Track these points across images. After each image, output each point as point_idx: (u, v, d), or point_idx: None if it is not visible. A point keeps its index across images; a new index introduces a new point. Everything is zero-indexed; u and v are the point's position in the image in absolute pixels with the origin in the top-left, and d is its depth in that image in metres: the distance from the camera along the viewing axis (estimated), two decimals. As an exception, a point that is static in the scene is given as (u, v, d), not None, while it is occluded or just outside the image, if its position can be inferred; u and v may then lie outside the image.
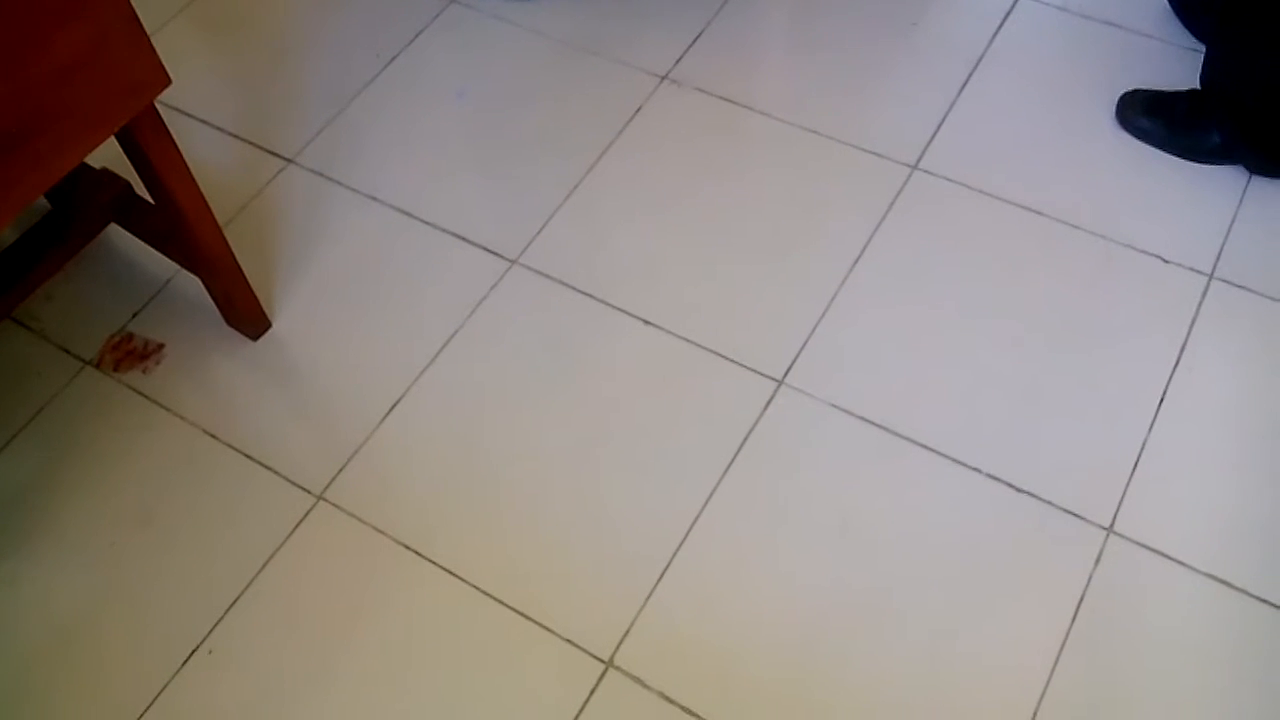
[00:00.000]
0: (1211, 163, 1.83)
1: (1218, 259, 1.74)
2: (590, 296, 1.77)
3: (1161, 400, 1.61)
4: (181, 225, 1.56)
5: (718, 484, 1.57)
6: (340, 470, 1.61)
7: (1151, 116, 1.86)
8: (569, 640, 1.45)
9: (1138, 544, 1.49)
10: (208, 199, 1.56)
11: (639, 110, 2.00)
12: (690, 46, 2.08)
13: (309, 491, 1.60)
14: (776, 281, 1.77)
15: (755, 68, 2.07)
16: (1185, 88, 1.87)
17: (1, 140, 1.20)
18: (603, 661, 1.44)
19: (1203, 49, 1.93)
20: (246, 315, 1.73)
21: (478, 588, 1.50)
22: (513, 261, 1.82)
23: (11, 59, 1.18)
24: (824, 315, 1.72)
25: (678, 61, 2.06)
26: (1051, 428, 1.59)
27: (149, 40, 1.31)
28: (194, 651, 1.48)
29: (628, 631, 1.46)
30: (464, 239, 1.85)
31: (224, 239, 1.63)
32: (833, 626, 1.45)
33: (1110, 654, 1.41)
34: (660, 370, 1.68)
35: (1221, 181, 1.82)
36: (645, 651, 1.44)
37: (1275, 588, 1.44)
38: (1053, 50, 2.03)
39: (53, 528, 1.59)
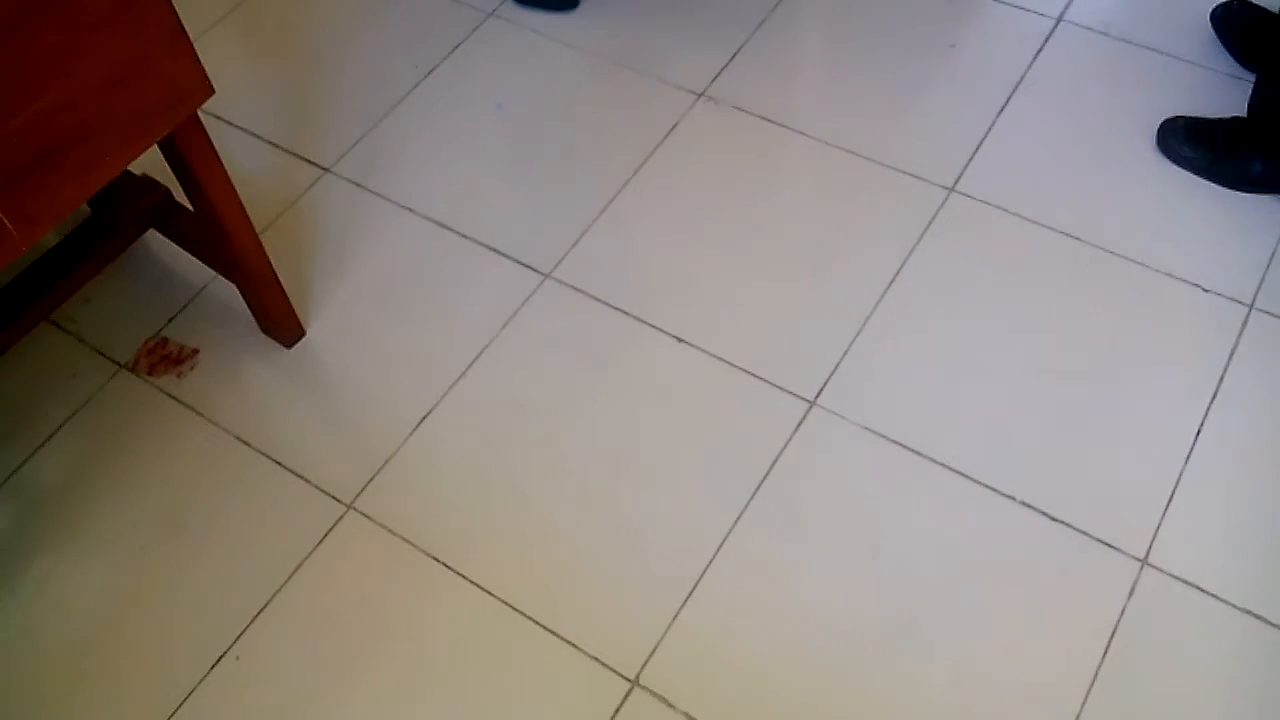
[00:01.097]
0: (1253, 192, 1.81)
1: (1258, 289, 1.72)
2: (623, 312, 1.76)
3: (1199, 431, 1.59)
4: (219, 232, 1.57)
5: (747, 504, 1.56)
6: (370, 480, 1.62)
7: (1193, 144, 1.84)
8: (595, 657, 1.45)
9: (1172, 576, 1.47)
10: (245, 206, 1.57)
11: (675, 126, 2.00)
12: (727, 64, 2.08)
13: (339, 500, 1.60)
14: (810, 301, 1.76)
15: (792, 86, 2.06)
16: (1228, 115, 1.86)
17: (48, 148, 1.22)
18: (629, 680, 1.43)
19: (1246, 76, 1.92)
20: (281, 323, 1.74)
21: (505, 601, 1.50)
22: (546, 275, 1.82)
23: (59, 69, 1.19)
24: (857, 336, 1.71)
25: (715, 79, 2.06)
26: (1087, 456, 1.58)
27: (194, 50, 1.32)
28: (221, 658, 1.48)
29: (654, 650, 1.45)
30: (498, 252, 1.85)
31: (261, 247, 1.64)
32: (861, 651, 1.44)
33: (1142, 687, 1.39)
34: (692, 388, 1.68)
35: (1263, 211, 1.80)
36: (671, 671, 1.43)
37: (1313, 625, 1.42)
38: (1093, 74, 2.02)
39: (84, 529, 1.60)
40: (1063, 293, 1.74)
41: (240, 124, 2.06)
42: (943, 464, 1.58)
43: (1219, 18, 2.01)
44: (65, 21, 1.17)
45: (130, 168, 1.54)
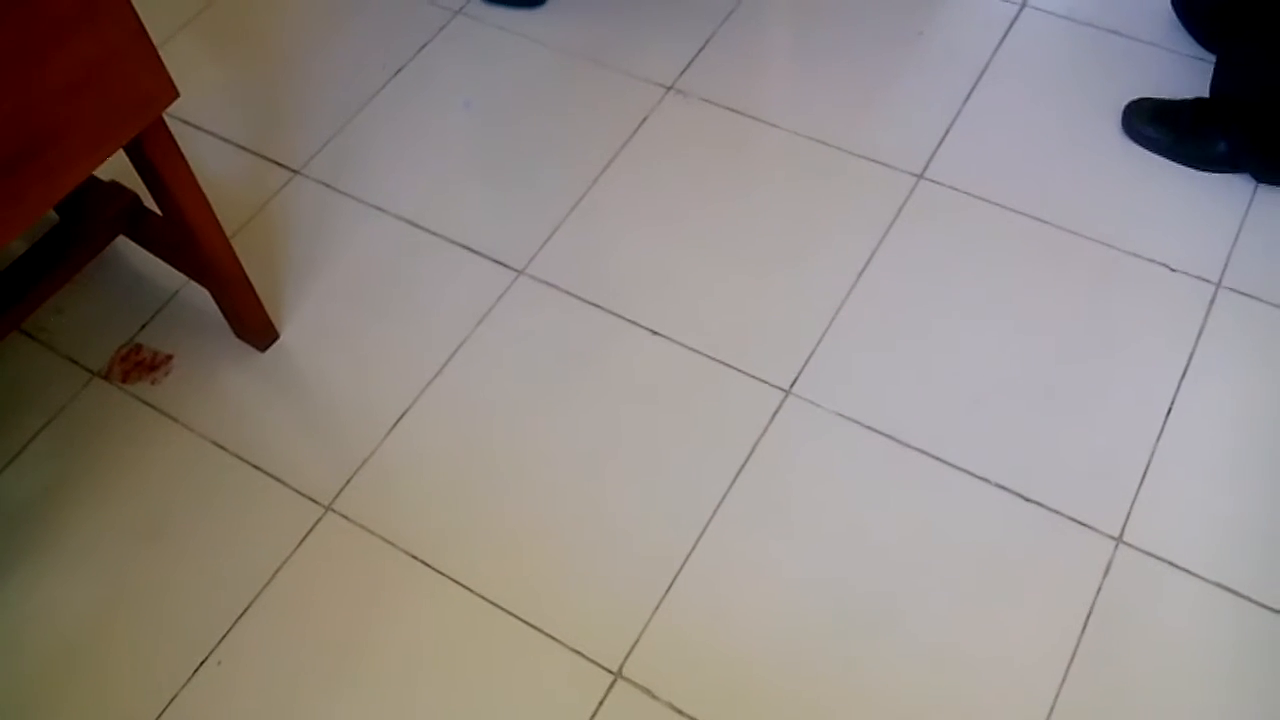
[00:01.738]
0: (1218, 171, 1.83)
1: (1225, 267, 1.74)
2: (597, 306, 1.77)
3: (1170, 409, 1.60)
4: (189, 237, 1.57)
5: (725, 494, 1.57)
6: (348, 481, 1.61)
7: (1157, 125, 1.86)
8: (577, 651, 1.45)
9: (1147, 553, 1.48)
10: (215, 210, 1.57)
11: (645, 120, 2.00)
12: (695, 57, 2.09)
13: (317, 502, 1.60)
14: (783, 291, 1.77)
15: (761, 78, 2.07)
16: (1191, 96, 1.87)
17: (11, 154, 1.21)
18: (611, 672, 1.43)
19: (1208, 57, 1.94)
20: (254, 326, 1.73)
21: (486, 598, 1.50)
22: (519, 272, 1.82)
23: (20, 73, 1.18)
24: (831, 324, 1.72)
25: (683, 72, 2.06)
26: (1060, 437, 1.59)
27: (157, 53, 1.32)
28: (203, 663, 1.48)
29: (636, 642, 1.45)
30: (471, 249, 1.85)
31: (232, 250, 1.63)
32: (841, 637, 1.45)
33: (1120, 664, 1.41)
34: (667, 380, 1.68)
35: (1228, 190, 1.82)
36: (654, 662, 1.44)
37: (1285, 597, 1.44)
38: (1058, 59, 2.04)
39: (61, 539, 1.59)
40: (1032, 276, 1.76)
41: (209, 128, 2.05)
42: (918, 449, 1.59)
43: (1179, 2, 2.03)
44: (24, 25, 1.17)
45: (98, 173, 1.53)
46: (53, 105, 1.23)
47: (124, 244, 1.83)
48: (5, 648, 1.51)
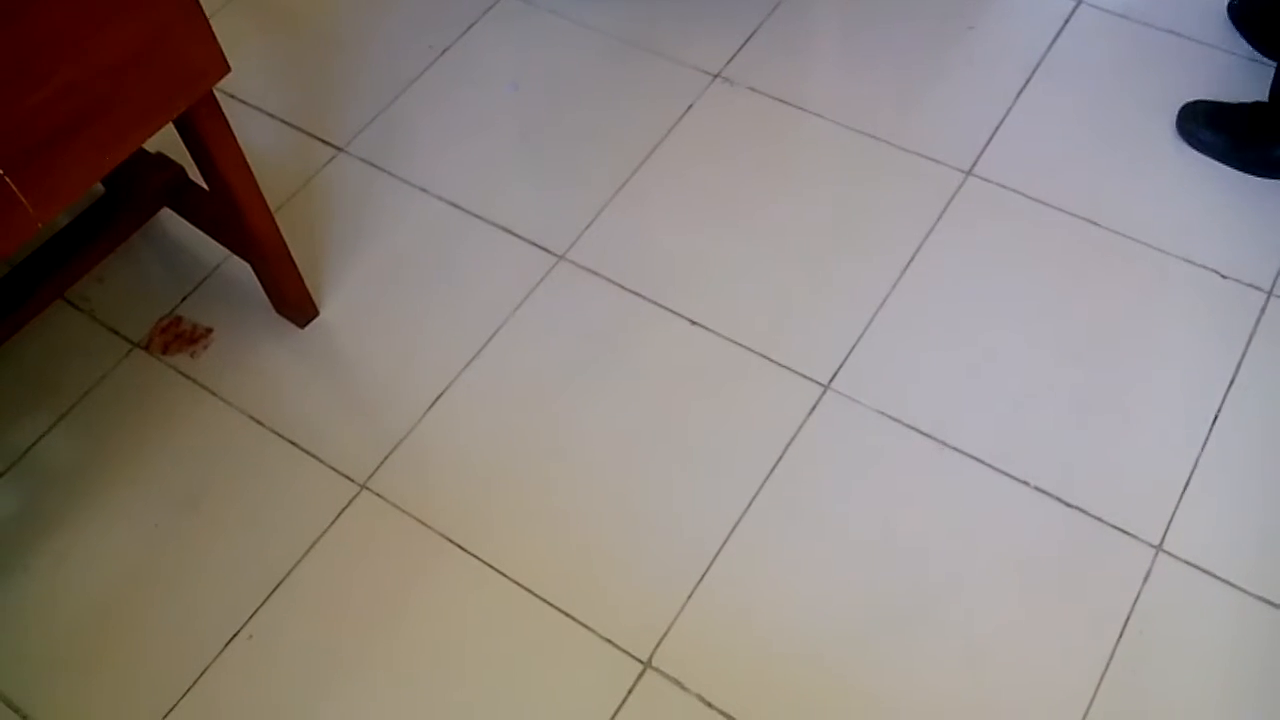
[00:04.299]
0: (1274, 177, 1.80)
1: (1277, 276, 1.71)
2: (637, 294, 1.76)
3: (1215, 418, 1.58)
4: (234, 211, 1.57)
5: (761, 486, 1.56)
6: (384, 460, 1.62)
7: (1213, 128, 1.83)
8: (608, 639, 1.45)
9: (1187, 563, 1.46)
10: (259, 185, 1.57)
11: (690, 108, 1.99)
12: (743, 45, 2.07)
13: (353, 480, 1.60)
14: (825, 284, 1.75)
15: (809, 68, 2.05)
16: (1249, 100, 1.84)
17: (64, 125, 1.21)
18: (641, 662, 1.43)
19: (1267, 60, 1.90)
20: (295, 302, 1.74)
21: (517, 583, 1.50)
22: (560, 257, 1.81)
23: (77, 46, 1.18)
24: (873, 320, 1.70)
25: (730, 60, 2.05)
26: (1103, 442, 1.57)
27: (210, 28, 1.32)
28: (234, 636, 1.49)
29: (667, 632, 1.45)
30: (512, 232, 1.85)
31: (275, 226, 1.63)
32: (874, 635, 1.43)
33: (1156, 674, 1.39)
34: (705, 371, 1.67)
35: (1283, 196, 1.79)
36: (684, 653, 1.43)
37: (1328, 613, 1.42)
38: (1113, 58, 2.00)
39: (98, 507, 1.60)
40: (1080, 277, 1.73)
41: (254, 103, 2.06)
42: (957, 449, 1.57)
43: (1235, 7, 1.99)
44: (82, -2, 1.17)
45: (144, 145, 1.53)
46: (107, 78, 1.23)
47: (168, 216, 1.84)
48: (39, 614, 1.52)
